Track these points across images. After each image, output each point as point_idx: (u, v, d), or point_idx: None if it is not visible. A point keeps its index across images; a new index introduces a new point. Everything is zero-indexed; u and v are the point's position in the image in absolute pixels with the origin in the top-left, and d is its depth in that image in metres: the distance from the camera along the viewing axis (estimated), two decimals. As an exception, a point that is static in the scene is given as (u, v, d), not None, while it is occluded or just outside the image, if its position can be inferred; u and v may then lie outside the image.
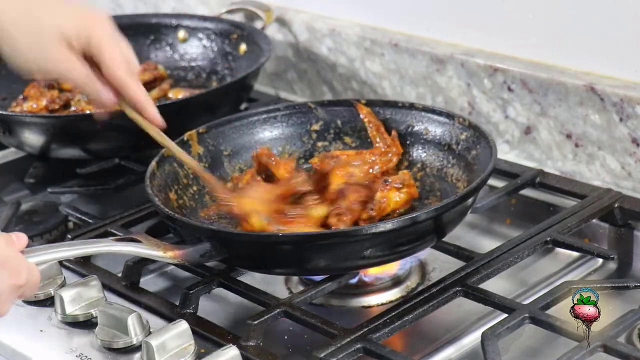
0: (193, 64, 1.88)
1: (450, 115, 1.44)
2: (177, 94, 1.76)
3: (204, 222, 1.36)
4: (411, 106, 1.48)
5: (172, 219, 1.27)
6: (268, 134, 1.52)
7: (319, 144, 1.52)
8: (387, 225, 1.19)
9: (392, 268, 1.36)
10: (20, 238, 1.11)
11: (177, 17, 1.91)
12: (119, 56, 1.32)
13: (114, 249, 1.22)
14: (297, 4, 1.90)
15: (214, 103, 1.63)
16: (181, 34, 1.89)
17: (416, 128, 1.47)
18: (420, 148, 1.47)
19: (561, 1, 1.55)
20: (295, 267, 1.27)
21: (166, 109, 1.59)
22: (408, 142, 1.47)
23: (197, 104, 1.61)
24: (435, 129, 1.45)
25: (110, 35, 1.32)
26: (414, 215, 1.21)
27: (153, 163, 1.38)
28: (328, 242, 1.21)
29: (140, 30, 1.89)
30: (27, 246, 1.10)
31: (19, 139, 1.60)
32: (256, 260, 1.27)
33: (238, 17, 1.92)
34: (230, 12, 1.93)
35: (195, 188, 1.42)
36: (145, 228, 1.44)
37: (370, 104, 1.51)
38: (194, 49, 1.88)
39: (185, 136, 1.45)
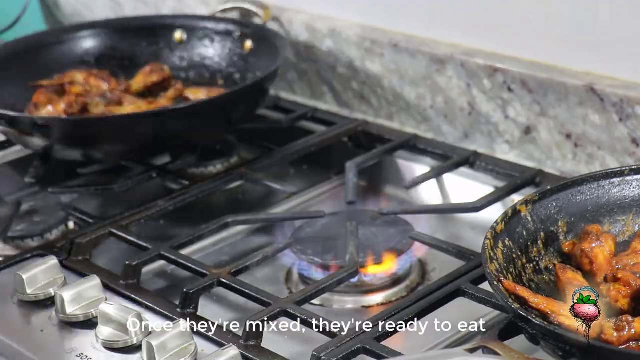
0: (194, 64, 1.88)
1: None
2: (196, 94, 1.75)
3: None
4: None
5: (527, 321, 1.05)
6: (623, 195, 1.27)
7: None
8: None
9: (390, 268, 1.37)
10: None
11: (176, 17, 1.91)
12: None
13: None
14: (297, 4, 1.90)
15: (231, 106, 1.62)
16: (181, 34, 1.89)
17: None
18: None
19: (561, 1, 1.55)
20: None
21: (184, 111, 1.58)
22: None
23: (214, 105, 1.59)
24: None
25: None
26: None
27: (498, 226, 1.16)
28: None
29: (140, 31, 1.89)
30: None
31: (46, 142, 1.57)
32: None
33: (235, 16, 1.92)
34: (224, 11, 1.92)
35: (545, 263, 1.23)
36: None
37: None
38: (194, 49, 1.88)
39: (518, 206, 1.22)
